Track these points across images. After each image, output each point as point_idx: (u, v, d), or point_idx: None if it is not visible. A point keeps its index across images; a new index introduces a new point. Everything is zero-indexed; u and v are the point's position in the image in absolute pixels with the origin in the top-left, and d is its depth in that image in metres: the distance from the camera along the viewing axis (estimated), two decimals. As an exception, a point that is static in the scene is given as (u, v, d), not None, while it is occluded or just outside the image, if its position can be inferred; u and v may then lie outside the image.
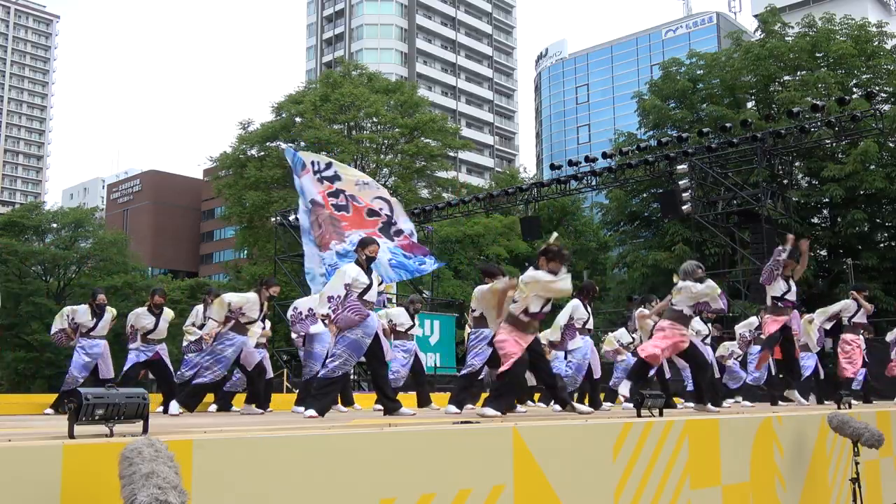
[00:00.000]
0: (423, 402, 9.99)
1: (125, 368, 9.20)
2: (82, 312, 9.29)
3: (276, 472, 3.28)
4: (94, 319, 9.29)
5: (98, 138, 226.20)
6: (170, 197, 79.98)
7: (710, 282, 7.68)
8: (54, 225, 49.28)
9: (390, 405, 7.15)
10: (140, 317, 9.16)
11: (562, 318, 9.10)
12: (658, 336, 7.73)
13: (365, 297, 6.98)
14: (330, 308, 6.85)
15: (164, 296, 9.49)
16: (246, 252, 47.37)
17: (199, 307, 9.74)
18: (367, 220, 9.86)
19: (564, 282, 6.49)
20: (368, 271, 7.11)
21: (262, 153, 40.44)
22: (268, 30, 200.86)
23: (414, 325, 10.48)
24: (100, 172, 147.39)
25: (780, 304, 9.21)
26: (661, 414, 5.69)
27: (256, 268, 40.33)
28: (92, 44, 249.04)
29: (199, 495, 2.97)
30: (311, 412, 6.52)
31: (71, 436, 3.16)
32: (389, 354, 8.43)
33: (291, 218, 25.93)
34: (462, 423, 4.77)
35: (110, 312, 9.52)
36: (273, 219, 29.18)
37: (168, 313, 9.36)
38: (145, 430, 3.42)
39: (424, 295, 29.15)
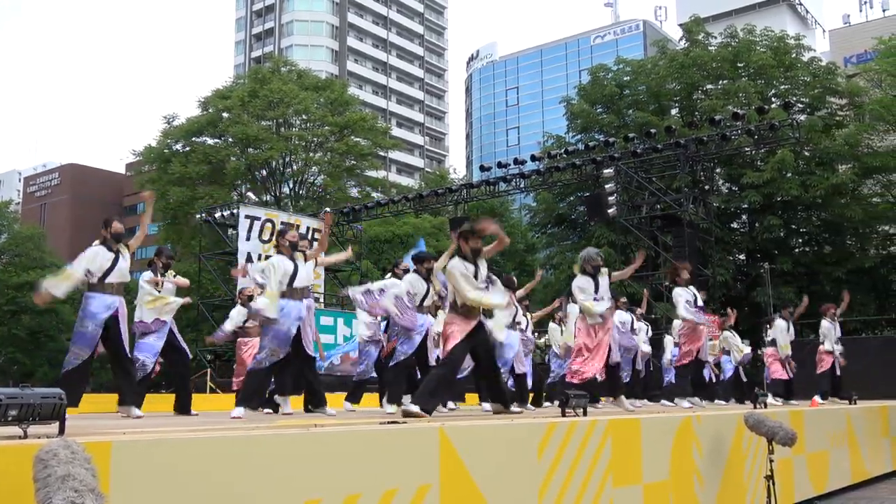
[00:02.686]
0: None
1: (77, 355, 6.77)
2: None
3: (198, 474, 3.22)
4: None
5: (14, 129, 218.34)
6: (90, 191, 77.64)
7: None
8: (-35, 218, 47.50)
9: (316, 401, 7.16)
10: (99, 254, 6.93)
11: None
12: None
13: (294, 285, 7.01)
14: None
15: (123, 232, 7.22)
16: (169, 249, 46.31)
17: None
18: None
19: (491, 297, 6.39)
20: (292, 258, 7.11)
21: (188, 148, 39.63)
22: (195, 23, 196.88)
23: (428, 293, 7.96)
24: (16, 164, 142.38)
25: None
26: (584, 413, 5.79)
27: (180, 265, 39.48)
28: (8, 30, 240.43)
29: (118, 498, 2.90)
30: (239, 411, 6.47)
31: (-18, 438, 3.04)
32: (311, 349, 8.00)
33: (217, 215, 25.48)
34: (388, 422, 4.77)
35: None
36: (198, 216, 28.64)
37: (127, 253, 7.20)
38: (61, 432, 3.32)
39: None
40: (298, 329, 6.99)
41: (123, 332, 7.07)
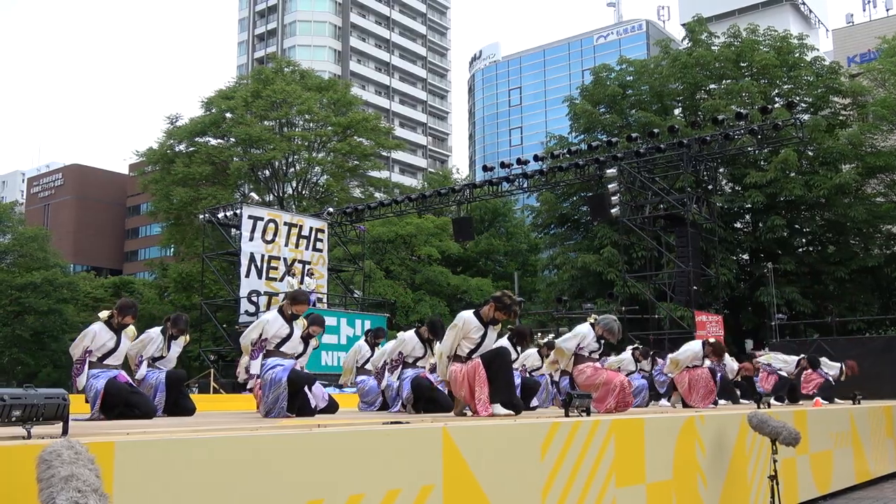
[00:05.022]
0: None
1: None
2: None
3: (201, 474, 3.22)
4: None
5: (18, 130, 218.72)
6: (93, 192, 77.85)
7: None
8: (-30, 220, 47.51)
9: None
10: (100, 334, 7.21)
11: None
12: None
13: (282, 349, 6.88)
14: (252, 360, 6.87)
15: (136, 316, 7.50)
16: (172, 249, 46.41)
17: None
18: None
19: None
20: (290, 323, 6.94)
21: (191, 149, 39.68)
22: (198, 23, 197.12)
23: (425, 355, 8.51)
24: (19, 165, 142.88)
25: None
26: (587, 414, 5.78)
27: (183, 265, 39.57)
28: (12, 31, 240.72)
29: (122, 499, 2.90)
30: None
31: (-15, 438, 3.04)
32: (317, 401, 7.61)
33: (220, 215, 25.48)
34: (392, 423, 4.76)
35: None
36: (201, 216, 28.61)
37: (130, 332, 7.46)
38: (65, 432, 3.32)
39: (355, 295, 28.99)
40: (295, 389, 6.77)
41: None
